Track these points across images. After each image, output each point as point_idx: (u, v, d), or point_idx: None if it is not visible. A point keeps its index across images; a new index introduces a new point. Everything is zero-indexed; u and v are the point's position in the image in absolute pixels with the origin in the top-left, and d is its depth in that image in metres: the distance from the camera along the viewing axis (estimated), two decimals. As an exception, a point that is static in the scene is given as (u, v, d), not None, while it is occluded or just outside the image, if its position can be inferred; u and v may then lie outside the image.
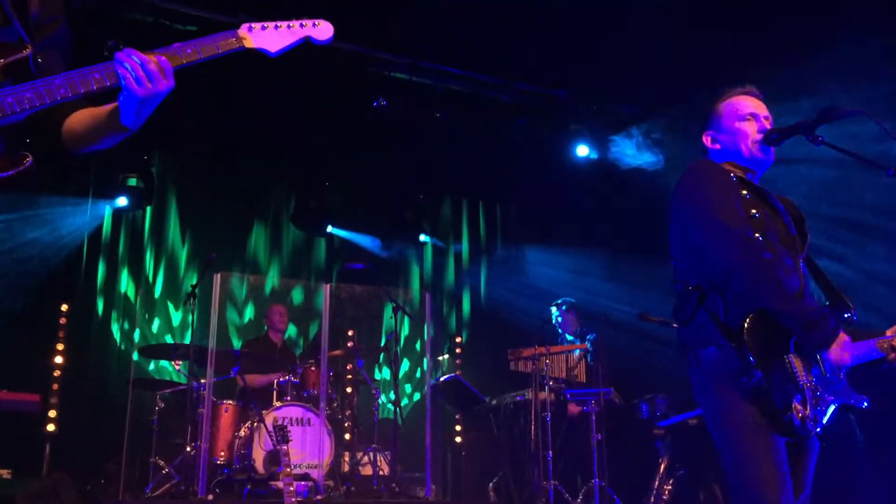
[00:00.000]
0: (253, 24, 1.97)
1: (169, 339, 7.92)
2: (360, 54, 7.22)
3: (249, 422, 6.37)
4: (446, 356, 8.61)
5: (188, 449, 6.09)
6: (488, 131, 8.17)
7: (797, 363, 2.54)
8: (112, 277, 7.86)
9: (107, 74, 1.88)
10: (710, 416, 2.67)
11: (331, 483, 6.47)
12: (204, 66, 2.02)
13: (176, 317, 8.19)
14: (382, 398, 7.65)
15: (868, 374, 2.78)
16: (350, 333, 7.98)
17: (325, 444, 6.46)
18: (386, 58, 7.35)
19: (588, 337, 7.21)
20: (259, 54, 2.02)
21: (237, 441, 6.32)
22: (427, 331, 7.49)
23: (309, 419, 6.48)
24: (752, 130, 2.86)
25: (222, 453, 6.33)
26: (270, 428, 5.83)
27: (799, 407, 2.48)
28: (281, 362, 7.05)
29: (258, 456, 6.15)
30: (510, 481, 6.82)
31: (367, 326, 8.74)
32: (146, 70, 1.85)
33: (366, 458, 7.03)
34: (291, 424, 6.32)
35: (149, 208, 8.06)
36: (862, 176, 5.38)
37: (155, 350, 7.05)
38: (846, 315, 2.75)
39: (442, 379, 7.52)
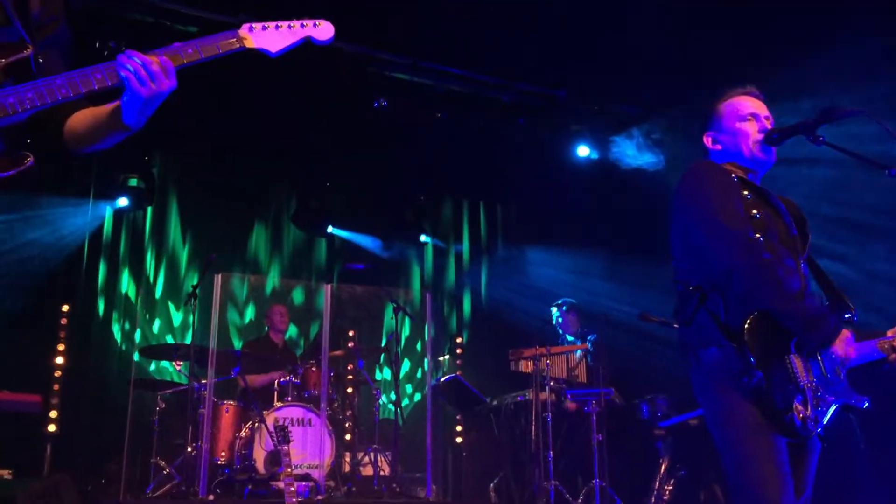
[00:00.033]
0: (253, 25, 1.97)
1: (170, 340, 7.92)
2: (361, 54, 7.22)
3: (250, 422, 6.37)
4: (447, 356, 8.61)
5: (189, 449, 6.09)
6: (489, 131, 8.17)
7: (798, 364, 2.54)
8: (113, 278, 7.86)
9: (108, 74, 1.88)
10: (711, 416, 2.67)
11: (332, 483, 6.47)
12: (205, 67, 2.02)
13: (177, 317, 8.20)
14: (383, 398, 7.65)
15: (869, 374, 2.78)
16: (351, 334, 7.99)
17: (326, 444, 6.46)
18: (386, 58, 7.36)
19: (589, 337, 7.21)
20: (260, 54, 2.02)
21: (238, 441, 6.32)
22: (428, 331, 7.49)
23: (310, 419, 6.48)
24: (752, 130, 2.86)
25: (223, 454, 6.33)
26: (271, 428, 5.83)
27: (800, 407, 2.48)
28: (282, 362, 7.05)
29: (259, 456, 6.16)
30: (511, 482, 6.82)
31: (368, 327, 8.74)
32: (149, 71, 1.85)
33: (366, 459, 7.03)
34: (292, 425, 6.32)
35: (149, 209, 8.07)
36: (863, 176, 5.38)
37: (156, 350, 7.05)
38: (847, 315, 2.75)
39: (443, 379, 7.52)
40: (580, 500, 6.35)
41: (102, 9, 6.44)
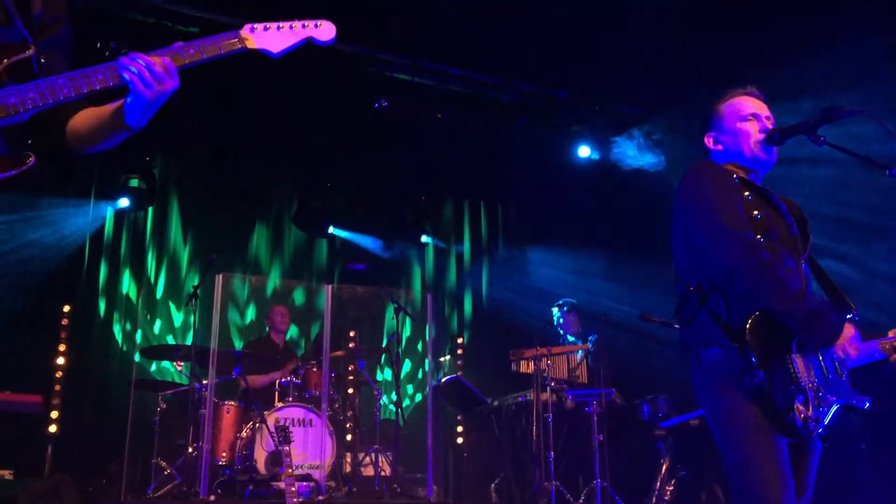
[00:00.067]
0: (255, 25, 1.97)
1: (170, 340, 7.93)
2: (361, 55, 7.22)
3: (251, 422, 6.37)
4: (448, 357, 8.60)
5: (190, 450, 6.09)
6: (489, 132, 8.17)
7: (800, 364, 2.54)
8: (114, 278, 7.86)
9: (110, 74, 1.88)
10: (713, 416, 2.67)
11: (332, 484, 6.47)
12: (206, 68, 2.02)
13: (178, 318, 8.20)
14: (384, 399, 7.65)
15: (870, 375, 2.78)
16: (352, 334, 7.98)
17: (327, 444, 6.46)
18: (387, 58, 7.36)
19: (590, 338, 7.21)
20: (261, 55, 2.02)
21: (239, 442, 6.32)
22: (428, 331, 7.49)
23: (311, 420, 6.48)
24: (753, 130, 2.86)
25: (224, 454, 6.33)
26: (272, 429, 5.83)
27: (801, 408, 2.48)
28: (282, 363, 7.06)
29: (260, 457, 6.16)
30: (512, 482, 6.82)
31: (369, 327, 8.75)
32: (153, 73, 1.85)
33: (367, 459, 7.04)
34: (293, 425, 6.32)
35: (150, 209, 8.07)
36: (864, 175, 5.38)
37: (157, 351, 7.05)
38: (848, 316, 2.75)
39: (443, 380, 7.52)
40: (581, 501, 6.35)
41: (104, 9, 6.44)
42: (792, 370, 2.52)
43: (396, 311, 7.22)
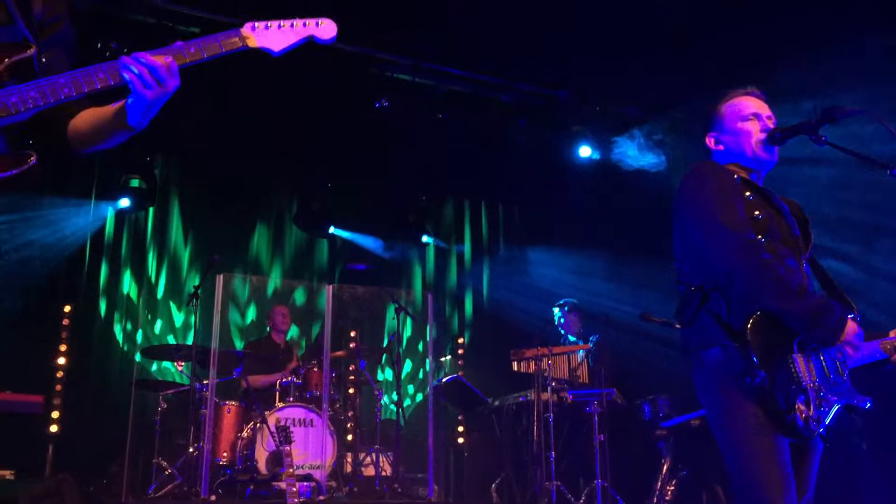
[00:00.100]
0: (256, 23, 1.97)
1: (171, 340, 7.93)
2: (362, 55, 7.23)
3: (252, 423, 6.38)
4: (448, 357, 8.61)
5: (191, 450, 6.10)
6: (490, 132, 8.17)
7: (801, 363, 2.54)
8: (114, 278, 7.87)
9: (111, 73, 1.88)
10: (714, 416, 2.67)
11: (333, 484, 6.47)
12: (207, 68, 2.02)
13: (178, 318, 8.20)
14: (385, 399, 7.65)
15: (871, 375, 2.78)
16: (352, 334, 7.99)
17: (328, 444, 6.46)
18: (388, 59, 7.36)
19: (591, 338, 7.20)
20: (262, 54, 2.02)
21: (240, 442, 6.32)
22: (429, 332, 7.49)
23: (311, 420, 6.48)
24: (755, 130, 2.86)
25: (225, 454, 6.34)
26: (273, 429, 5.83)
27: (802, 407, 2.48)
28: (283, 363, 7.06)
29: (261, 457, 6.16)
30: (513, 482, 6.81)
31: (370, 327, 8.74)
32: (156, 73, 1.85)
33: (368, 459, 7.04)
34: (294, 425, 6.32)
35: (151, 209, 8.07)
36: (866, 175, 5.38)
37: (157, 351, 7.04)
38: (850, 316, 2.75)
39: (444, 380, 7.52)
40: (582, 501, 6.35)
41: (105, 10, 6.45)
42: (793, 370, 2.52)
43: (397, 311, 7.22)
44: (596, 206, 8.59)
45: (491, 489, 7.00)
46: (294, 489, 4.98)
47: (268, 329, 7.61)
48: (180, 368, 6.70)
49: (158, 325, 8.11)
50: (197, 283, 6.67)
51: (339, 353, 7.33)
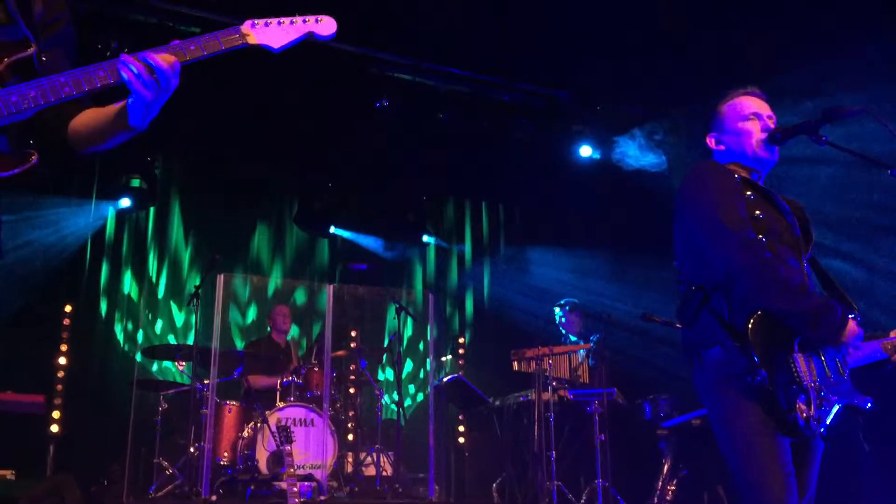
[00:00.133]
0: (256, 21, 1.98)
1: (172, 340, 7.93)
2: (363, 55, 7.22)
3: (253, 422, 6.38)
4: (449, 357, 8.60)
5: (192, 450, 6.10)
6: (491, 132, 8.17)
7: (801, 363, 2.54)
8: (115, 278, 7.87)
9: (111, 72, 1.87)
10: (715, 416, 2.67)
11: (334, 483, 6.48)
12: (207, 68, 2.02)
13: (179, 318, 8.20)
14: (385, 399, 7.65)
15: (872, 375, 2.77)
16: (353, 334, 7.99)
17: (329, 444, 6.46)
18: (388, 59, 7.36)
19: (592, 337, 7.20)
20: (262, 54, 2.02)
21: (241, 442, 6.33)
22: (430, 331, 7.49)
23: (312, 420, 6.49)
24: (755, 130, 2.86)
25: (226, 454, 6.34)
26: (274, 428, 5.84)
27: (803, 407, 2.48)
28: (284, 363, 7.06)
29: (262, 456, 6.16)
30: (513, 482, 6.81)
31: (370, 327, 8.75)
32: (158, 73, 1.85)
33: (369, 459, 7.04)
34: (295, 425, 6.33)
35: (152, 209, 8.07)
36: (869, 174, 5.38)
37: (158, 351, 7.05)
38: (850, 316, 2.75)
39: (445, 379, 7.52)
40: (583, 501, 6.35)
41: (105, 10, 6.45)
42: (794, 369, 2.52)
43: (398, 311, 7.22)
44: (597, 205, 8.59)
45: (492, 489, 7.01)
46: (295, 489, 4.99)
47: (268, 329, 7.61)
48: (181, 368, 6.70)
49: (159, 324, 8.11)
50: (198, 283, 6.67)
51: (340, 352, 7.33)
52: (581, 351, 7.24)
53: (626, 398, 6.89)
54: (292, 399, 6.55)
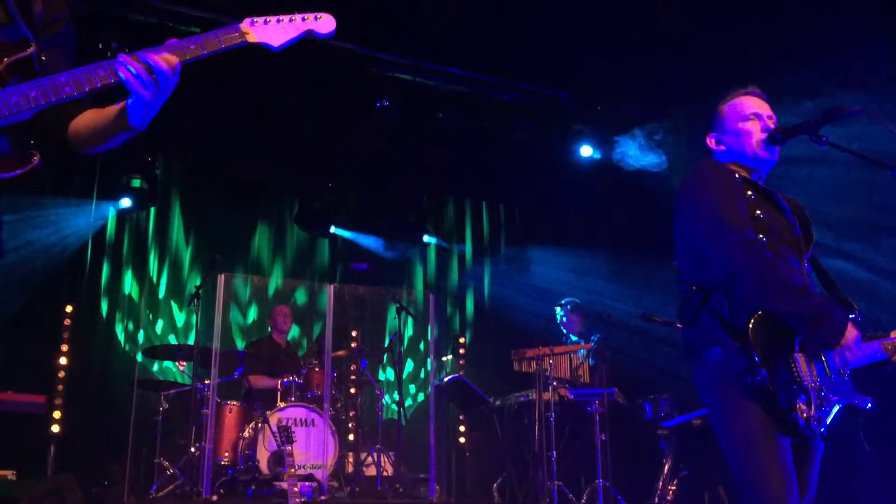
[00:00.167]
0: (255, 19, 1.98)
1: (173, 340, 7.93)
2: (363, 55, 7.22)
3: (254, 422, 6.38)
4: (450, 357, 8.60)
5: (192, 450, 6.10)
6: (491, 132, 8.17)
7: (802, 363, 2.54)
8: (116, 278, 7.87)
9: (111, 72, 1.87)
10: (716, 416, 2.67)
11: (335, 483, 6.48)
12: (207, 68, 2.02)
13: (180, 318, 8.21)
14: (386, 399, 7.65)
15: (873, 375, 2.77)
16: (354, 334, 8.00)
17: (329, 444, 6.47)
18: (389, 59, 7.36)
19: (592, 337, 7.21)
20: (262, 54, 2.03)
21: (241, 442, 6.33)
22: (431, 331, 7.49)
23: (313, 420, 6.49)
24: (755, 130, 2.86)
25: (226, 454, 6.34)
26: (274, 428, 5.84)
27: (804, 407, 2.48)
28: (285, 363, 7.06)
29: (262, 456, 6.16)
30: (514, 482, 6.81)
31: (371, 327, 8.75)
32: (158, 73, 1.85)
33: (369, 459, 7.04)
34: (295, 425, 6.33)
35: (152, 209, 8.08)
36: (871, 174, 5.37)
37: (159, 351, 7.05)
38: (851, 316, 2.74)
39: (446, 379, 7.52)
40: (583, 501, 6.35)
41: (105, 10, 6.45)
42: (794, 369, 2.52)
43: (398, 311, 7.22)
44: (597, 205, 8.59)
45: (492, 489, 7.01)
46: (296, 489, 4.99)
47: (269, 329, 7.61)
48: (182, 368, 6.70)
49: (160, 324, 8.12)
50: (198, 283, 6.67)
51: (341, 352, 7.34)
52: (581, 351, 7.24)
53: (627, 398, 6.89)
54: (293, 399, 6.56)
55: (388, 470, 6.89)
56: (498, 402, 7.28)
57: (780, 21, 6.11)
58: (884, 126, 2.67)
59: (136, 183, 7.63)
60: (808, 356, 2.56)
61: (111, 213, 7.87)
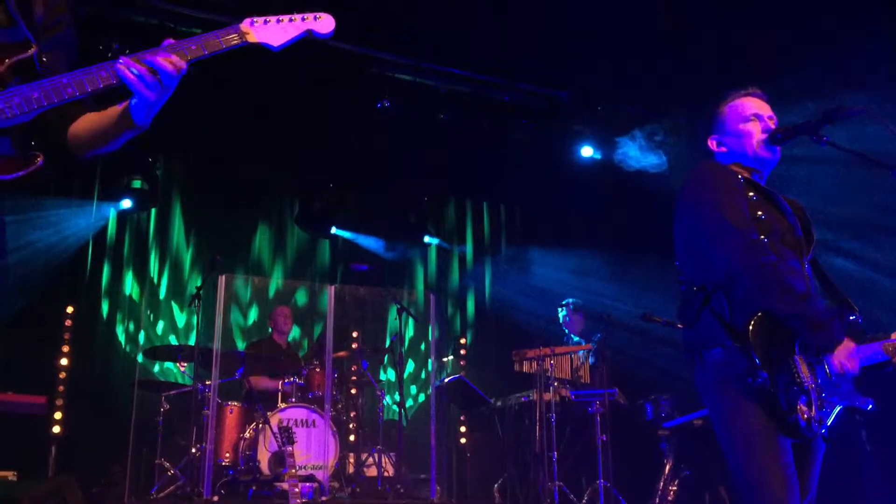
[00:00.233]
0: (255, 19, 1.99)
1: (173, 341, 7.93)
2: (364, 56, 7.23)
3: (254, 423, 6.38)
4: (451, 357, 8.61)
5: (193, 450, 6.10)
6: (492, 132, 8.18)
7: (802, 365, 2.54)
8: (117, 279, 7.87)
9: (113, 72, 1.88)
10: (716, 417, 2.67)
11: (335, 484, 6.48)
12: (208, 68, 2.02)
13: (180, 318, 8.21)
14: (387, 399, 7.65)
15: (873, 376, 2.77)
16: (354, 335, 8.00)
17: (330, 445, 6.47)
18: (389, 59, 7.36)
19: (593, 337, 7.21)
20: (262, 54, 2.03)
21: (242, 442, 6.33)
22: (431, 332, 7.49)
23: (314, 420, 6.49)
24: (756, 130, 2.86)
25: (227, 455, 6.34)
26: (275, 429, 5.84)
27: (804, 408, 2.48)
28: (285, 364, 7.06)
29: (263, 457, 6.16)
30: (515, 482, 6.82)
31: (372, 328, 8.75)
32: (162, 75, 1.85)
33: (370, 460, 7.04)
34: (296, 426, 6.33)
35: (153, 210, 8.08)
36: (870, 175, 5.37)
37: (160, 352, 7.05)
38: (851, 318, 2.75)
39: (446, 380, 7.53)
40: (584, 501, 6.35)
41: (106, 12, 6.45)
42: (795, 371, 2.52)
43: (399, 312, 7.22)
44: (598, 206, 8.59)
45: (493, 489, 7.01)
46: (296, 490, 5.00)
47: (270, 330, 7.61)
48: (182, 369, 6.71)
49: (160, 325, 8.12)
50: (199, 284, 6.68)
51: (342, 353, 7.34)
52: (581, 351, 7.24)
53: (628, 398, 6.89)
54: (294, 400, 6.56)
55: (389, 470, 6.89)
56: (499, 403, 7.28)
57: (780, 21, 6.11)
58: (884, 126, 2.67)
59: (137, 184, 7.63)
60: (808, 358, 2.56)
61: (112, 214, 7.87)
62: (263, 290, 8.65)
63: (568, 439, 6.71)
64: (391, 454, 7.00)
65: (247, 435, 6.35)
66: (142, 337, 7.85)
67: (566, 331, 7.44)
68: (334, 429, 6.58)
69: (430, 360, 7.97)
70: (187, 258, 8.36)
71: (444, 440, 7.63)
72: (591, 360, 7.26)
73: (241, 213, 8.54)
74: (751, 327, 2.51)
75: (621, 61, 7.02)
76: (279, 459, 6.02)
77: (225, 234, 8.41)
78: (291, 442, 5.36)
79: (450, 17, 6.60)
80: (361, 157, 8.20)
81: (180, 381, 7.09)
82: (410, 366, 9.17)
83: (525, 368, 6.97)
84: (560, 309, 7.47)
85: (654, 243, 6.51)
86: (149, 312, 8.05)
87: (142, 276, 8.04)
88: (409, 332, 9.17)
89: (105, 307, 7.75)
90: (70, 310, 7.21)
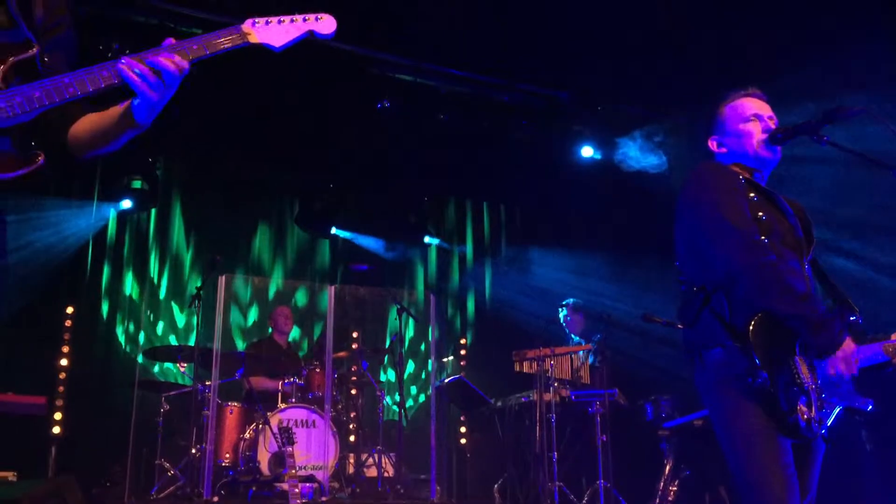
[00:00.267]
0: (257, 20, 1.99)
1: (173, 341, 7.93)
2: (364, 56, 7.23)
3: (254, 424, 6.38)
4: (451, 358, 8.60)
5: (193, 451, 6.10)
6: (492, 132, 8.18)
7: (802, 365, 2.53)
8: (117, 279, 7.87)
9: (115, 72, 1.88)
10: (716, 417, 2.67)
11: (335, 485, 6.48)
12: (208, 68, 2.02)
13: (181, 319, 8.21)
14: (387, 400, 7.65)
15: (874, 377, 2.77)
16: (354, 335, 8.00)
17: (330, 445, 6.47)
18: (389, 60, 7.36)
19: (594, 337, 7.21)
20: (263, 54, 2.03)
21: (242, 443, 6.33)
22: (431, 332, 7.49)
23: (314, 421, 6.49)
24: (756, 130, 2.86)
25: (227, 455, 6.34)
26: (275, 430, 5.84)
27: (804, 409, 2.48)
28: (285, 364, 7.06)
29: (263, 458, 6.16)
30: (515, 483, 6.81)
31: (372, 328, 8.75)
32: (165, 75, 1.85)
33: (370, 460, 7.04)
34: (296, 426, 6.33)
35: (153, 210, 8.08)
36: (870, 175, 5.37)
37: (160, 352, 7.05)
38: (852, 318, 2.74)
39: (446, 380, 7.52)
40: (584, 502, 6.34)
41: (106, 12, 6.45)
42: (795, 371, 2.52)
43: (399, 312, 7.22)
44: (598, 206, 8.59)
45: (493, 490, 7.01)
46: (296, 490, 5.00)
47: (270, 330, 7.61)
48: (182, 369, 6.70)
49: (160, 326, 8.12)
50: (199, 284, 6.68)
51: (342, 353, 7.34)
52: (581, 351, 7.24)
53: (628, 399, 6.89)
54: (294, 400, 6.56)
55: (389, 471, 6.89)
56: (499, 403, 7.28)
57: (780, 21, 6.11)
58: (884, 126, 2.67)
59: (137, 184, 7.64)
60: (808, 358, 2.56)
61: (112, 214, 7.87)
62: (263, 290, 8.65)
63: (568, 440, 6.71)
64: (391, 454, 7.00)
65: (247, 435, 6.35)
66: (142, 337, 7.85)
67: (567, 331, 7.44)
68: (334, 429, 6.58)
69: (430, 361, 7.97)
70: (187, 258, 8.36)
71: (444, 440, 7.63)
72: (591, 360, 7.26)
73: (241, 213, 8.54)
74: (751, 327, 2.51)
75: (621, 61, 7.02)
76: (279, 460, 6.02)
77: (225, 234, 8.41)
78: (291, 442, 5.36)
79: (450, 17, 6.60)
80: (361, 157, 8.20)
81: (180, 381, 7.09)
82: (410, 366, 9.17)
83: (525, 369, 6.97)
84: (560, 309, 7.47)
85: (654, 243, 6.52)
86: (149, 313, 8.04)
87: (142, 276, 8.04)
88: (410, 333, 9.16)
89: (105, 307, 7.75)
90: (70, 310, 7.21)
